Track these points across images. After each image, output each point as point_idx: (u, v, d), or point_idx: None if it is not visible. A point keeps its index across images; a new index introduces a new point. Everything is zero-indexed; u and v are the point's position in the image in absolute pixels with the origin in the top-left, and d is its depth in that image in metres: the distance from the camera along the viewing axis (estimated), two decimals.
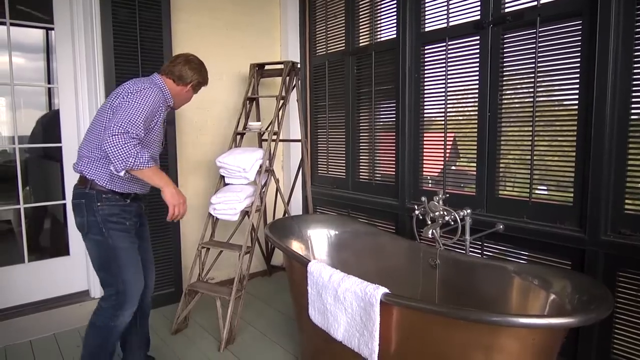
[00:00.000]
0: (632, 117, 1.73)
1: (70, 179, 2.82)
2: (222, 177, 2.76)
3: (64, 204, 2.82)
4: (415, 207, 2.16)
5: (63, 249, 2.82)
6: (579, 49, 1.86)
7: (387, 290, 1.47)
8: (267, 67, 3.14)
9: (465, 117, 2.36)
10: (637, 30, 1.69)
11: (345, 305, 1.59)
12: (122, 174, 1.64)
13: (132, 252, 1.80)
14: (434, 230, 1.94)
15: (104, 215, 1.73)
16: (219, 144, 3.20)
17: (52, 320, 2.58)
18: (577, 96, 1.89)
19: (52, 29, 2.67)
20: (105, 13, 2.54)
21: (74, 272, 2.83)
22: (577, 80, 1.88)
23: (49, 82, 2.79)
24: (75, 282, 2.84)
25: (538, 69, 2.00)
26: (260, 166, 2.67)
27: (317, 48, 3.37)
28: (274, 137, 2.82)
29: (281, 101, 2.88)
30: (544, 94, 2.01)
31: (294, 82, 3.05)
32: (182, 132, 3.02)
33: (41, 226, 2.91)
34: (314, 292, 1.75)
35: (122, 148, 1.58)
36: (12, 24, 2.53)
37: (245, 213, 2.71)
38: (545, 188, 2.05)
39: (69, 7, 2.66)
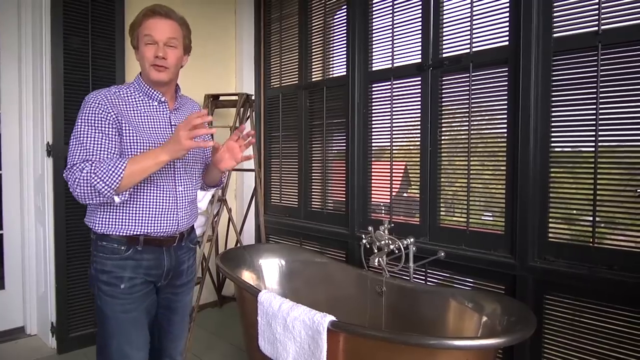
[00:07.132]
0: (552, 152, 1.94)
1: (9, 208, 2.70)
2: None
3: (1, 235, 2.68)
4: (363, 236, 2.26)
5: None
6: (506, 91, 2.09)
7: (333, 318, 1.53)
8: (221, 98, 3.20)
9: (414, 147, 2.52)
10: (554, 76, 1.93)
11: (294, 334, 1.62)
12: (117, 200, 1.29)
13: (125, 325, 1.37)
14: (380, 259, 2.04)
15: (96, 270, 1.38)
16: None
17: None
18: (505, 132, 2.10)
19: None
20: (56, 40, 2.50)
21: (8, 307, 2.67)
22: (505, 118, 2.09)
23: None
24: (10, 318, 2.68)
25: (472, 108, 2.20)
26: (213, 196, 2.69)
27: (272, 81, 3.48)
28: None
29: None
30: (477, 130, 2.21)
31: (248, 114, 3.12)
32: None
33: None
34: (263, 322, 1.77)
35: (77, 185, 1.24)
36: None
37: (197, 243, 2.69)
38: (479, 217, 2.21)
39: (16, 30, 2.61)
